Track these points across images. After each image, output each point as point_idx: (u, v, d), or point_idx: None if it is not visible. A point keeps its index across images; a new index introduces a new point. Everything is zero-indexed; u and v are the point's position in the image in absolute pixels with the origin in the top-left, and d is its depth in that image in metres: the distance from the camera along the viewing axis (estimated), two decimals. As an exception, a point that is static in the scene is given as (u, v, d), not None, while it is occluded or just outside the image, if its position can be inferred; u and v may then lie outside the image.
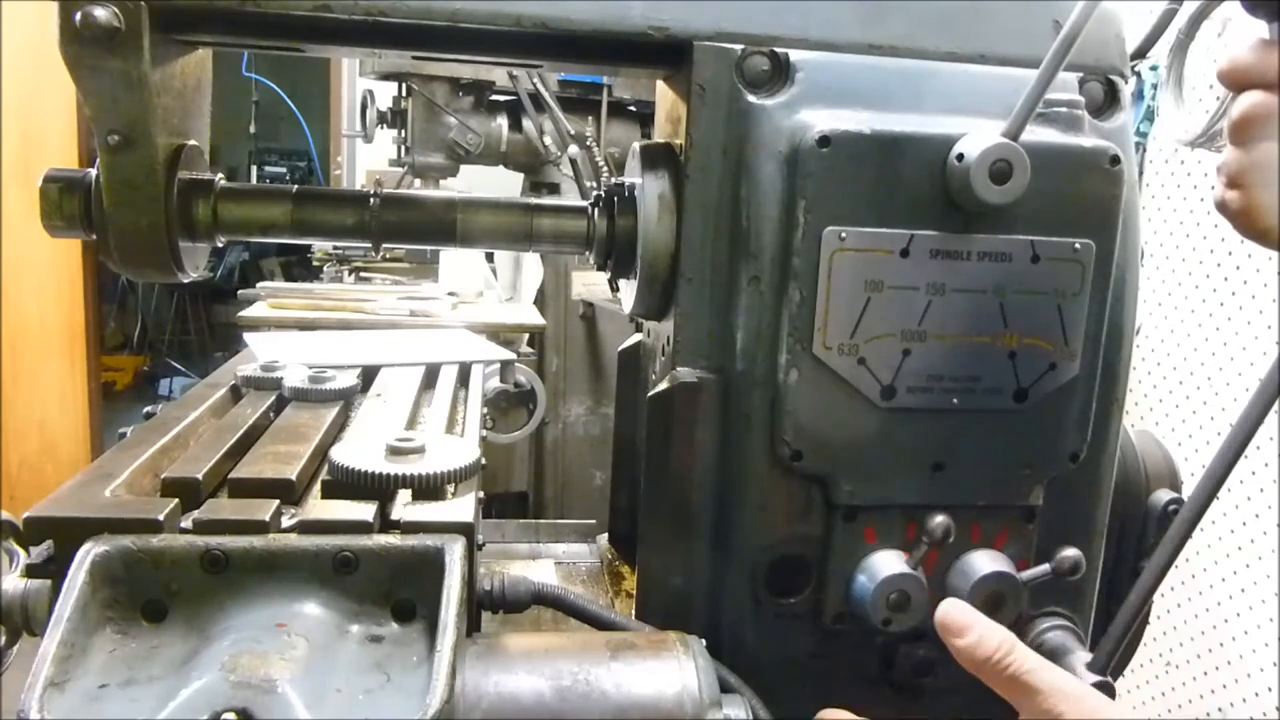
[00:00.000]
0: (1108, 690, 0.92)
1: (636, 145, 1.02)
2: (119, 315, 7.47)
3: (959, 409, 0.94)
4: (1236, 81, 0.77)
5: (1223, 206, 0.80)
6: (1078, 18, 0.81)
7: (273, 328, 2.53)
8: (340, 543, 0.75)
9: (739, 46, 0.92)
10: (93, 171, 0.93)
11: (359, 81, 4.22)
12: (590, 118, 3.46)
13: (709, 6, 0.92)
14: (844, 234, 0.90)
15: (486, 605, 0.91)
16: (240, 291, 3.03)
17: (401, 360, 1.38)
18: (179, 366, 7.08)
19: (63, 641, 0.67)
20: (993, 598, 0.94)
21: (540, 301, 3.44)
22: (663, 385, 0.96)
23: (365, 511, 0.80)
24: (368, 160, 4.87)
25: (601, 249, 1.04)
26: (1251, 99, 0.76)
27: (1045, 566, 0.93)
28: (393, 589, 0.76)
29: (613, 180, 1.09)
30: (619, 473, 1.40)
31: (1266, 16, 0.75)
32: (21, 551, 0.76)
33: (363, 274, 3.48)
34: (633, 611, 1.05)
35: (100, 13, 0.83)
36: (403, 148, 3.28)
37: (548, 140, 3.28)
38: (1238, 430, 0.82)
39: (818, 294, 0.90)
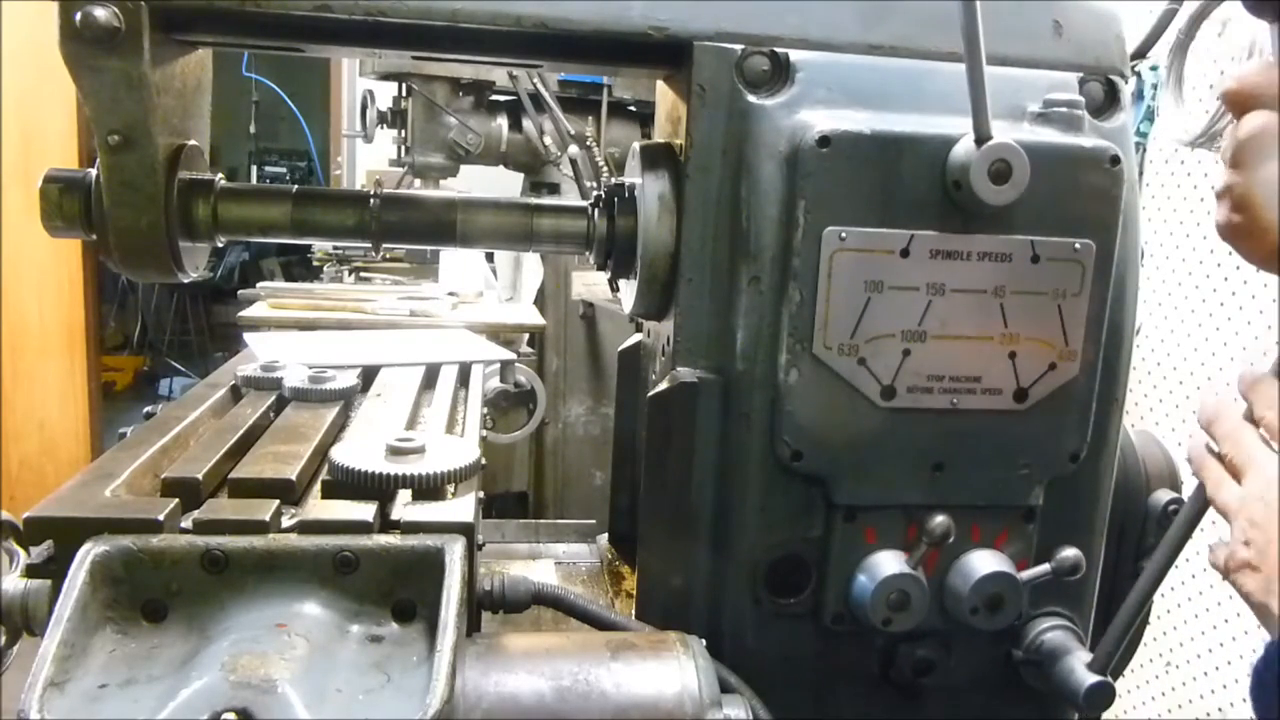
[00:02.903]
0: (1108, 690, 0.92)
1: (636, 145, 1.02)
2: (119, 315, 7.45)
3: (959, 409, 0.94)
4: (1241, 103, 0.75)
5: (1227, 230, 0.78)
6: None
7: (273, 328, 2.53)
8: (340, 543, 0.75)
9: (739, 46, 0.92)
10: (93, 171, 0.92)
11: (359, 81, 4.22)
12: (590, 118, 3.46)
13: (709, 6, 0.92)
14: (844, 234, 0.90)
15: (486, 605, 0.91)
16: (240, 291, 3.02)
17: (401, 360, 1.37)
18: (179, 366, 7.07)
19: (63, 641, 0.67)
20: (993, 598, 0.94)
21: (540, 301, 3.43)
22: (663, 385, 0.96)
23: (365, 511, 0.80)
24: (368, 160, 4.86)
25: (601, 249, 1.04)
26: (1256, 121, 0.74)
27: (1045, 566, 0.93)
28: (393, 589, 0.76)
29: (613, 180, 1.09)
30: (619, 473, 1.40)
31: (1268, 17, 0.75)
32: (21, 551, 0.76)
33: (363, 274, 3.47)
34: (633, 611, 1.05)
35: (100, 13, 0.82)
36: (403, 148, 3.27)
37: (548, 140, 3.28)
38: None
39: (818, 294, 0.90)
